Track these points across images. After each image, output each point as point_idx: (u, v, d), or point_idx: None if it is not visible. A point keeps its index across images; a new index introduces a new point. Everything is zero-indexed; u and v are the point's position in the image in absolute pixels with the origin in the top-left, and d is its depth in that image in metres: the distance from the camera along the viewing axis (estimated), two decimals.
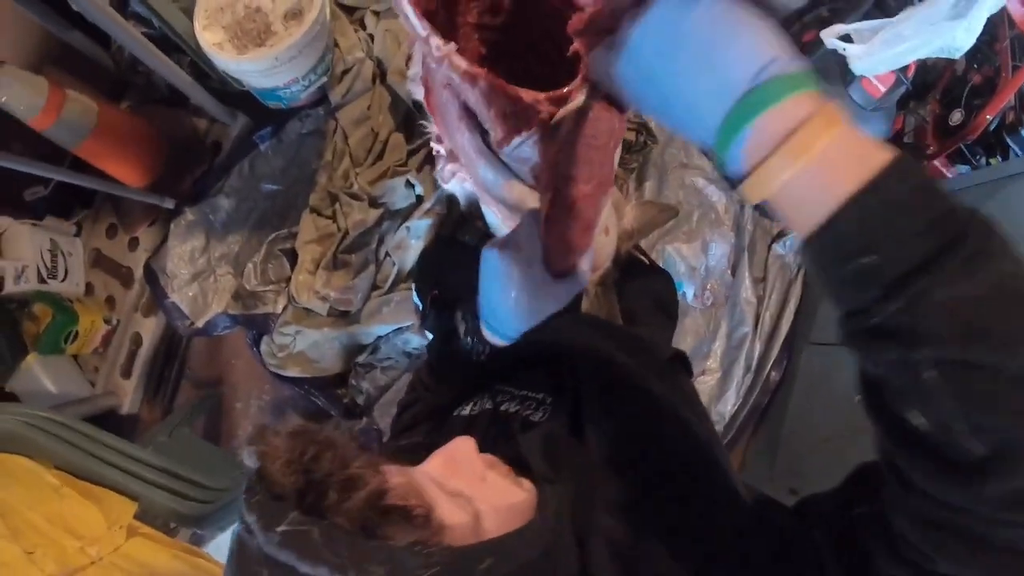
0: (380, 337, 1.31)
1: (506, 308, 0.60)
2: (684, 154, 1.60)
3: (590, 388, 0.55)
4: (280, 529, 0.30)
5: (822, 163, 0.29)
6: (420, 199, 1.31)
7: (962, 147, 1.57)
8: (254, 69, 1.42)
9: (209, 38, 1.41)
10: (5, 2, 1.43)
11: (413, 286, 1.26)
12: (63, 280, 1.59)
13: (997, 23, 1.55)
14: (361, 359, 1.31)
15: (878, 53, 1.37)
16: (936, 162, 1.65)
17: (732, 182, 0.39)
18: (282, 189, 1.48)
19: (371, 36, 1.46)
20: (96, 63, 1.62)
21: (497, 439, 0.51)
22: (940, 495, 0.30)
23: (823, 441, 1.36)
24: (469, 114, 0.58)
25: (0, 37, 1.52)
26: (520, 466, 0.46)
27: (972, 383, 0.28)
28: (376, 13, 1.47)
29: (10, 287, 1.48)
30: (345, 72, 1.42)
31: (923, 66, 1.78)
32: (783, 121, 0.30)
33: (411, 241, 1.29)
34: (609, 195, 0.59)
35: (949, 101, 1.65)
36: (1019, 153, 1.43)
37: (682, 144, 1.61)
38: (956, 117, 1.61)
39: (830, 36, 1.46)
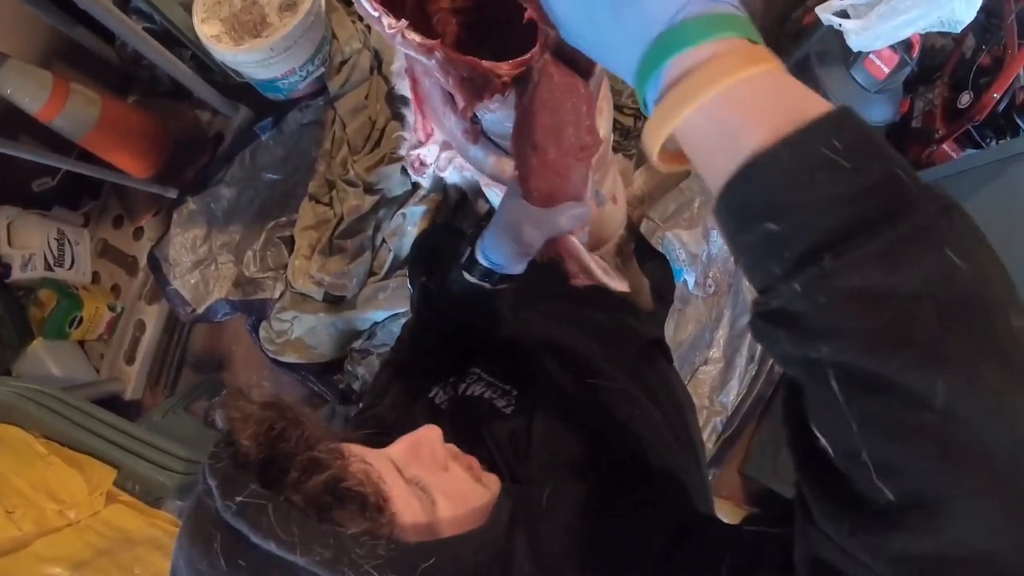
0: (376, 323, 1.31)
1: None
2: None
3: (547, 387, 0.56)
4: (238, 499, 0.31)
5: (732, 102, 0.24)
6: (416, 186, 1.31)
7: (971, 129, 1.53)
8: (251, 60, 1.43)
9: (207, 31, 1.43)
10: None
11: (407, 272, 1.27)
12: (70, 268, 1.62)
13: (1002, 0, 1.50)
14: (357, 345, 1.32)
15: (875, 27, 1.34)
16: (945, 146, 1.61)
17: None
18: (282, 178, 1.49)
19: (368, 27, 1.47)
20: (101, 58, 1.65)
21: (465, 424, 0.51)
22: (836, 538, 0.24)
23: None
24: (451, 97, 0.58)
25: (7, 33, 1.55)
26: (487, 460, 0.46)
27: (880, 406, 0.21)
28: None
29: (17, 274, 1.52)
30: (343, 63, 1.43)
31: (930, 49, 1.75)
32: (698, 61, 0.25)
33: (407, 228, 1.29)
34: (590, 163, 0.58)
35: (957, 83, 1.61)
36: None
37: None
38: (964, 99, 1.57)
39: (825, 12, 1.43)
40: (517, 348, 0.63)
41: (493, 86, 0.48)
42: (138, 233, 1.63)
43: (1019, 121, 1.43)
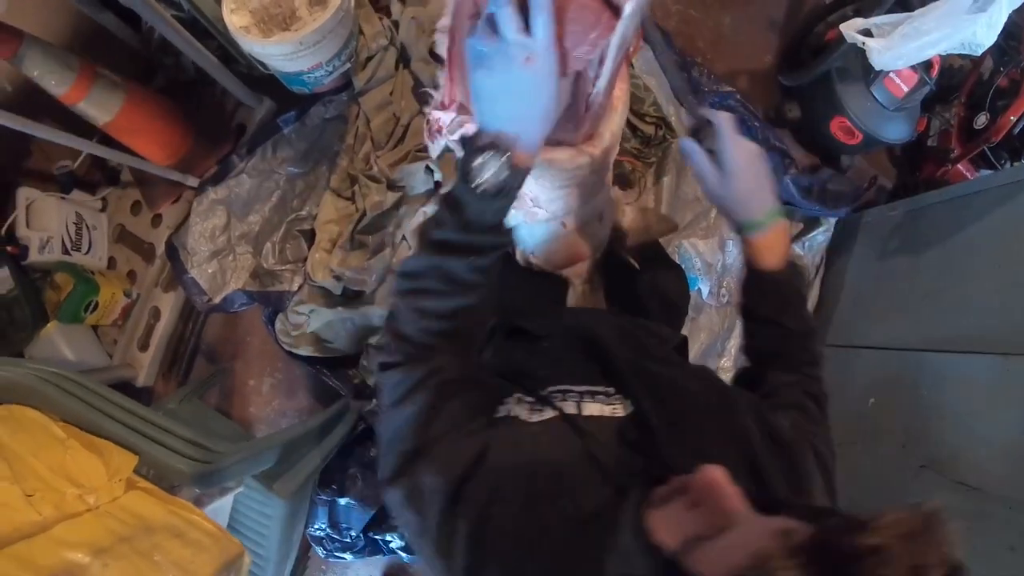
0: None
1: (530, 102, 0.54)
2: None
3: (642, 373, 0.57)
4: None
5: (782, 242, 0.69)
6: (439, 185, 1.32)
7: (986, 150, 1.55)
8: (279, 53, 1.44)
9: (236, 22, 1.43)
10: None
11: None
12: (87, 252, 1.62)
13: (1021, 23, 1.52)
14: (373, 341, 1.32)
15: (898, 47, 1.36)
16: (960, 166, 1.62)
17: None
18: (304, 172, 1.50)
19: (395, 23, 1.48)
20: (126, 45, 1.65)
21: (615, 448, 0.50)
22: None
23: (837, 445, 1.34)
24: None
25: (34, 15, 1.56)
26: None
27: None
28: (402, 0, 1.49)
29: (34, 256, 1.52)
30: (369, 59, 1.44)
31: (948, 69, 1.75)
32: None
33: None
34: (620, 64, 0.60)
35: (974, 104, 1.62)
36: None
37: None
38: (981, 120, 1.59)
39: (850, 30, 1.44)
40: (569, 351, 0.63)
41: None
42: (156, 220, 1.64)
43: None
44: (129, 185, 1.70)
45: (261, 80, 1.55)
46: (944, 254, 1.30)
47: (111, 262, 1.69)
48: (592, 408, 0.54)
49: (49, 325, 1.56)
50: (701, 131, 0.63)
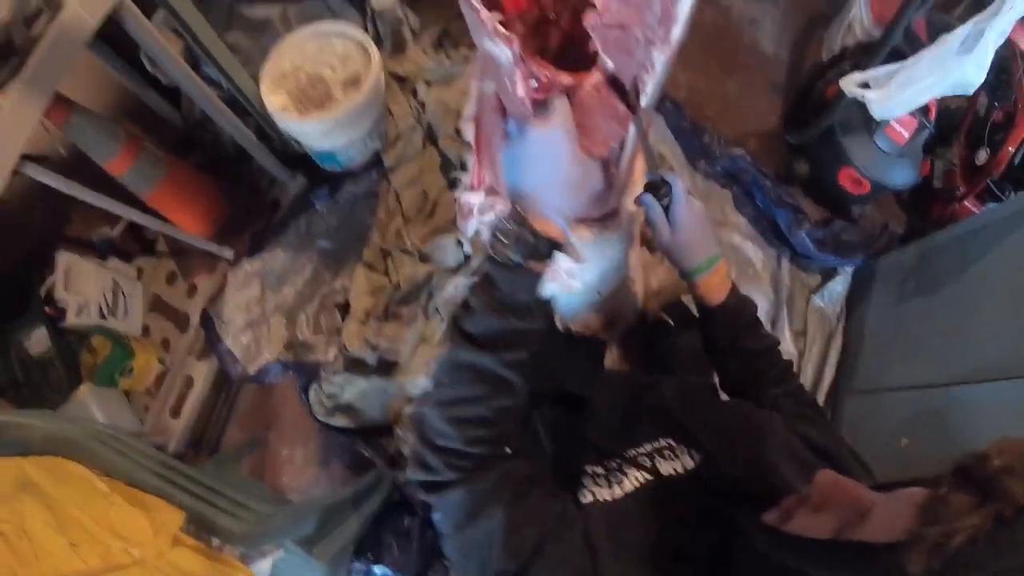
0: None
1: (561, 181, 0.60)
2: (720, 211, 1.65)
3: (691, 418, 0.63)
4: None
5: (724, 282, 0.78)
6: (468, 258, 1.37)
7: (989, 184, 1.58)
8: (315, 131, 1.52)
9: (274, 101, 1.52)
10: (89, 58, 1.54)
11: None
12: (122, 319, 1.66)
13: (1010, 57, 1.58)
14: (408, 409, 1.35)
15: (895, 95, 1.42)
16: (967, 202, 1.66)
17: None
18: (336, 247, 1.57)
19: (422, 104, 1.56)
20: (167, 120, 1.75)
21: (696, 495, 0.55)
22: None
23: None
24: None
25: (83, 86, 1.62)
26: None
27: None
28: (428, 83, 1.58)
29: (72, 319, 1.55)
30: (397, 138, 1.52)
31: (945, 110, 1.82)
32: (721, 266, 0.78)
33: (460, 297, 1.34)
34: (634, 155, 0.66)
35: (974, 141, 1.68)
36: None
37: (718, 201, 1.66)
38: (982, 156, 1.63)
39: (849, 85, 1.50)
40: (618, 412, 0.69)
41: (552, 88, 0.55)
42: (191, 291, 1.69)
43: None
44: (164, 256, 1.76)
45: (294, 157, 1.63)
46: (959, 288, 1.32)
47: (145, 330, 1.73)
48: (667, 467, 0.58)
49: (83, 387, 1.59)
50: (659, 190, 0.69)
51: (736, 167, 1.68)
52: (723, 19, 1.96)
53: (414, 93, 1.58)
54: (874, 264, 1.65)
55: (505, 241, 0.55)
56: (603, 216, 0.75)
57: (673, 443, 0.62)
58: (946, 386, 1.22)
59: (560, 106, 0.55)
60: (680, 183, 0.71)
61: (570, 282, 0.84)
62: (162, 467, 1.02)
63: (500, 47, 0.51)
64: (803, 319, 1.58)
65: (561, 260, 0.64)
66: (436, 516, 0.55)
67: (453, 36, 1.76)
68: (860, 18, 1.91)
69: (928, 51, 1.35)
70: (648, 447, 0.61)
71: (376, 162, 1.57)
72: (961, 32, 1.28)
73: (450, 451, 0.54)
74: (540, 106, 0.55)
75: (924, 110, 1.62)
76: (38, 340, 1.56)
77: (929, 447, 1.21)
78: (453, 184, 1.42)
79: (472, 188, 0.89)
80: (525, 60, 0.53)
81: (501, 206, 0.81)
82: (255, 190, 1.69)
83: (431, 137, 1.51)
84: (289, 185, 1.64)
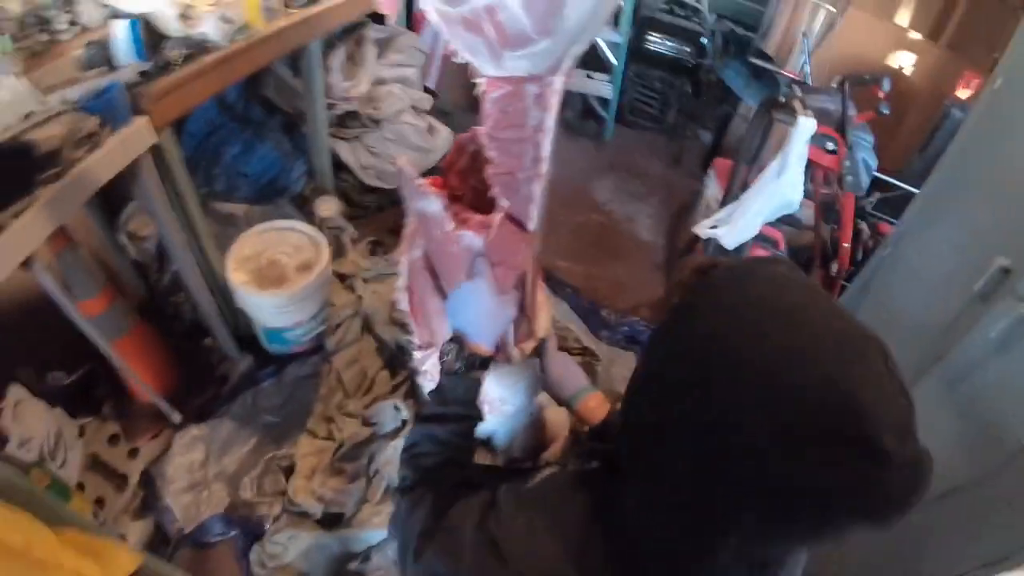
0: (372, 547, 1.48)
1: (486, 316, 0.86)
2: (627, 370, 2.01)
3: None
4: None
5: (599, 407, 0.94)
6: (405, 423, 1.60)
7: (845, 284, 1.97)
8: (271, 304, 1.77)
9: (237, 278, 1.77)
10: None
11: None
12: (60, 467, 1.66)
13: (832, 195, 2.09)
14: (353, 566, 1.48)
15: (738, 226, 1.80)
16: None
17: None
18: (280, 421, 1.76)
19: (359, 298, 1.89)
20: (133, 287, 1.91)
21: None
22: None
23: None
24: (437, 283, 0.96)
25: (77, 230, 1.69)
26: None
27: None
28: (365, 280, 1.94)
29: (13, 450, 1.53)
30: (338, 326, 1.82)
31: (799, 248, 2.32)
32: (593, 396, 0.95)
33: (398, 459, 1.54)
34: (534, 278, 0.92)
35: (825, 260, 2.13)
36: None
37: (624, 362, 2.02)
38: (834, 268, 2.06)
39: (702, 229, 1.91)
40: None
41: (473, 227, 0.83)
42: (133, 453, 1.76)
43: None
44: (109, 418, 1.83)
45: (244, 339, 1.86)
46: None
47: (80, 486, 1.75)
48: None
49: None
50: (540, 349, 0.97)
51: (634, 330, 2.08)
52: (607, 220, 2.50)
53: (352, 288, 1.90)
54: None
55: (448, 357, 0.82)
56: (519, 342, 0.99)
57: None
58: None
59: (482, 266, 0.84)
60: (550, 342, 0.96)
61: (504, 408, 1.07)
62: None
63: (431, 201, 0.82)
64: None
65: (492, 391, 0.90)
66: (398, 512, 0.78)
67: (385, 245, 2.23)
68: (713, 195, 2.41)
69: (754, 186, 1.77)
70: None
71: (318, 347, 1.84)
72: (775, 163, 1.70)
73: (410, 478, 0.80)
74: (469, 268, 0.84)
75: (774, 244, 2.07)
76: None
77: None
78: (389, 363, 1.69)
79: (421, 349, 1.15)
80: (448, 207, 0.83)
81: (436, 349, 1.06)
82: (207, 363, 1.86)
83: (368, 326, 1.81)
84: (239, 362, 1.85)
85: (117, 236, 1.90)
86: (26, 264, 1.25)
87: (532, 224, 0.83)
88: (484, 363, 0.85)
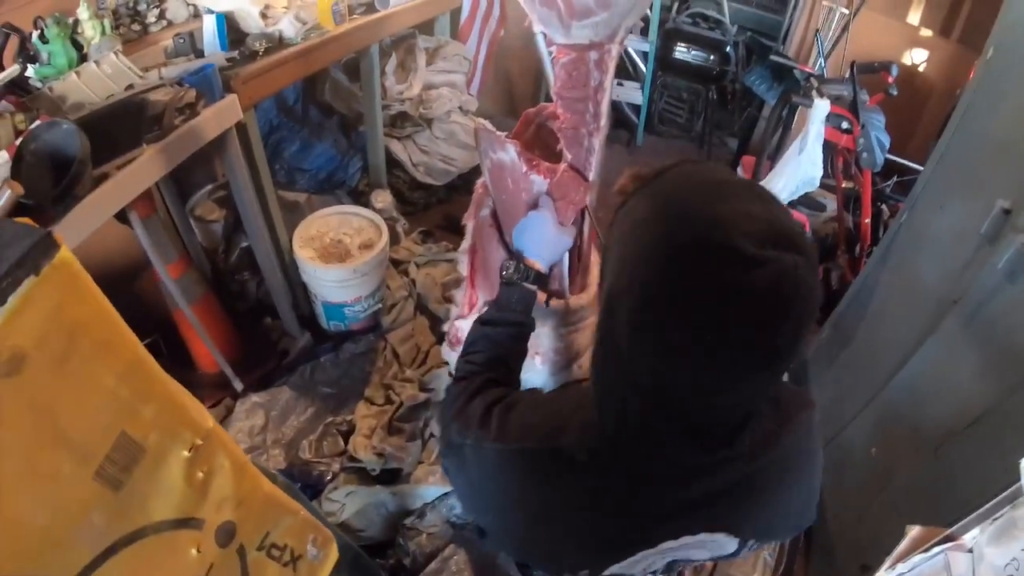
0: (427, 504, 1.51)
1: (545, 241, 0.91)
2: None
3: None
4: None
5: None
6: None
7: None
8: (334, 279, 1.87)
9: (304, 254, 1.88)
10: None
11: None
12: None
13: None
14: (408, 522, 1.49)
15: None
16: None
17: None
18: (336, 392, 1.84)
19: (413, 281, 2.02)
20: (200, 265, 2.03)
21: None
22: None
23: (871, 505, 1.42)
24: (502, 238, 1.05)
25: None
26: None
27: None
28: (418, 265, 2.08)
29: None
30: (393, 306, 1.93)
31: (824, 236, 2.42)
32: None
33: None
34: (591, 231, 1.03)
35: (850, 244, 2.24)
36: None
37: None
38: (857, 249, 2.20)
39: None
40: None
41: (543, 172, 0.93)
42: None
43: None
44: None
45: (304, 318, 1.97)
46: (863, 317, 1.72)
47: None
48: None
49: None
50: None
51: None
52: None
53: (406, 273, 2.01)
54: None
55: (508, 271, 0.88)
56: (573, 292, 1.08)
57: None
58: (885, 386, 1.44)
59: (545, 200, 0.94)
60: None
61: (554, 358, 1.11)
62: None
63: (508, 150, 0.92)
64: None
65: (544, 342, 1.01)
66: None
67: (435, 235, 2.39)
68: None
69: (779, 164, 1.92)
70: None
71: (374, 326, 1.94)
72: (796, 142, 1.84)
73: (465, 369, 0.85)
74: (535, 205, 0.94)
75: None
76: None
77: (893, 441, 1.40)
78: (441, 339, 1.76)
79: (462, 316, 1.21)
80: (522, 153, 0.92)
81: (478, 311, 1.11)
82: (267, 339, 1.97)
83: (421, 306, 1.91)
84: (298, 339, 1.95)
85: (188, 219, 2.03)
86: (121, 216, 1.38)
87: (591, 174, 0.94)
88: (538, 278, 0.92)
